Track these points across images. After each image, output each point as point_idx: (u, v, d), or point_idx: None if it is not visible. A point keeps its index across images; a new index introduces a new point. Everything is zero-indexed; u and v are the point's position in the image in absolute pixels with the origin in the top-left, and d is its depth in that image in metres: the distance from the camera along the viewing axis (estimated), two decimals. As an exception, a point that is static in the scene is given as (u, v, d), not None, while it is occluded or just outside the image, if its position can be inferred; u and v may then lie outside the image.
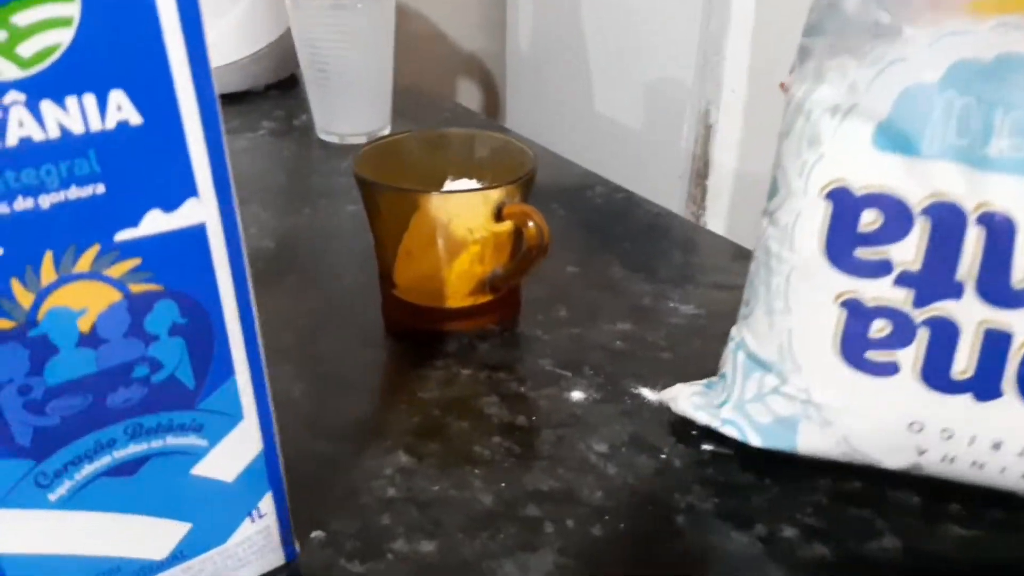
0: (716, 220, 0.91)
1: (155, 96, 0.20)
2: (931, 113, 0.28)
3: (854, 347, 0.30)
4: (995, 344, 0.29)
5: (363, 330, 0.44)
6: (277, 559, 0.29)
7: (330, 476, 0.33)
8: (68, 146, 0.20)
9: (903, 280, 0.29)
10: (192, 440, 0.25)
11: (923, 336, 0.29)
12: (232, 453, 0.26)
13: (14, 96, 0.19)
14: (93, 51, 0.19)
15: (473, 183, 0.45)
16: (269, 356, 0.25)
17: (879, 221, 0.29)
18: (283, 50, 0.79)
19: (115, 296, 0.21)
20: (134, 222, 0.21)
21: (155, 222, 0.21)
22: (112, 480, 0.23)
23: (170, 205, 0.21)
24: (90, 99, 0.20)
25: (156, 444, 0.24)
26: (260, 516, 0.28)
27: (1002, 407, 0.29)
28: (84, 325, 0.21)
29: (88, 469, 0.23)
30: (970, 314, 0.29)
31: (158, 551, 0.26)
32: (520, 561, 0.29)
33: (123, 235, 0.21)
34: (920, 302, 0.29)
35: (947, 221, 0.28)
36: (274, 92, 0.81)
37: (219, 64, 0.75)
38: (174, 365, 0.23)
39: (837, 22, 0.30)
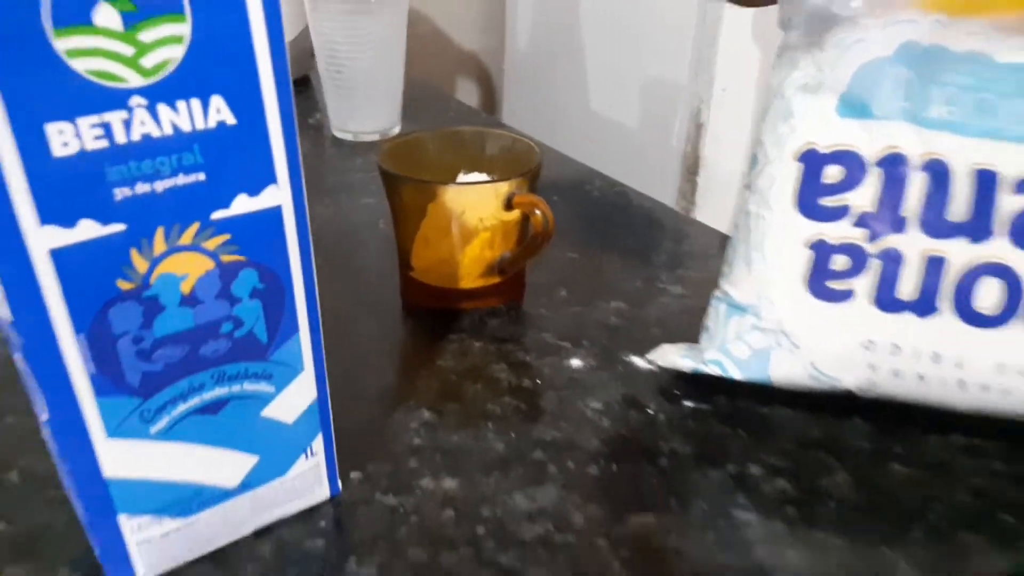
0: (705, 214, 0.97)
1: (247, 102, 0.25)
2: (884, 83, 0.35)
3: (819, 280, 0.36)
4: (934, 268, 0.35)
5: (385, 309, 0.49)
6: (324, 493, 0.34)
7: (365, 428, 0.39)
8: (179, 141, 0.25)
9: (860, 221, 0.36)
10: (263, 387, 0.30)
11: (875, 266, 0.36)
12: (293, 399, 0.31)
13: (138, 100, 0.24)
14: (199, 64, 0.24)
15: (484, 176, 0.50)
16: (324, 318, 0.31)
17: (841, 174, 0.36)
18: (297, 51, 0.84)
19: (210, 265, 0.27)
20: (227, 204, 0.26)
21: (242, 204, 0.27)
22: (200, 417, 0.29)
23: (255, 190, 0.27)
24: (196, 103, 0.25)
25: (235, 389, 0.29)
26: (312, 454, 0.33)
27: (939, 322, 0.35)
28: (185, 288, 0.26)
29: (182, 407, 0.28)
30: (914, 245, 0.35)
31: (232, 479, 0.31)
32: (529, 494, 0.35)
33: (217, 214, 0.26)
34: (873, 238, 0.35)
35: (895, 170, 0.35)
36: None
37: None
38: (252, 323, 0.28)
39: (803, 16, 0.36)
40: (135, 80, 0.24)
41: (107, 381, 0.26)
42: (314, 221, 0.59)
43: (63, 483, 0.30)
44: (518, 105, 1.41)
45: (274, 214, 0.27)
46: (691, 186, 1.00)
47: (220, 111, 0.25)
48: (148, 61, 0.24)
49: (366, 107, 0.72)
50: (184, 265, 0.26)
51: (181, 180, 0.25)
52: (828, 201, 0.36)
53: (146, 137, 0.24)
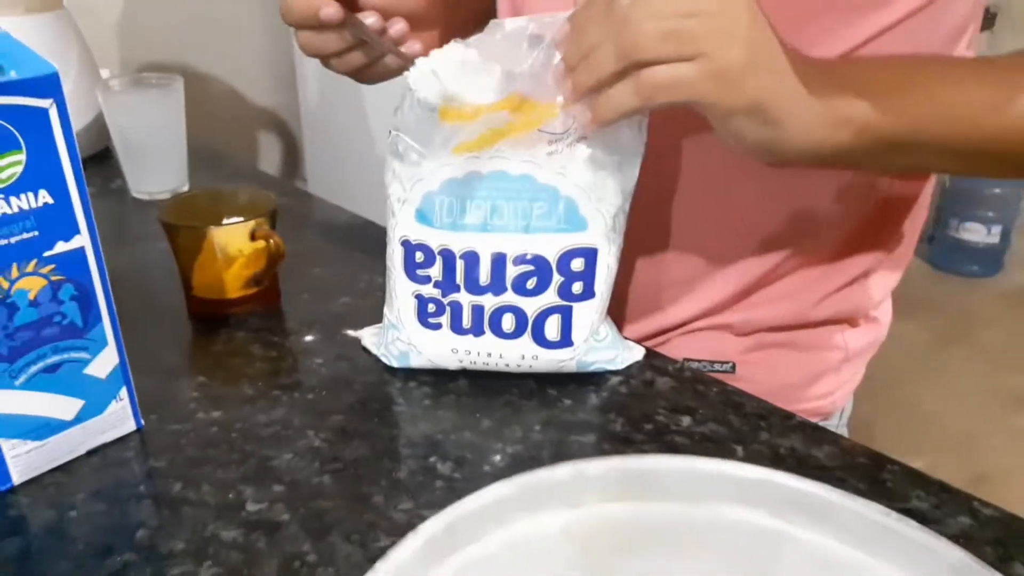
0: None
1: (58, 189, 0.46)
2: (435, 206, 0.57)
3: (423, 317, 0.59)
4: (478, 310, 0.58)
5: (175, 316, 0.69)
6: (131, 425, 0.54)
7: (161, 388, 0.59)
8: (22, 215, 0.45)
9: (436, 284, 0.58)
10: (83, 355, 0.50)
11: (448, 310, 0.58)
12: (103, 363, 0.51)
13: (-4, 196, 0.44)
14: (31, 173, 0.45)
15: (239, 219, 0.71)
16: (120, 312, 0.51)
17: (422, 257, 0.58)
18: (98, 127, 1.02)
19: (44, 283, 0.47)
20: (52, 247, 0.47)
21: (61, 247, 0.47)
22: (45, 375, 0.48)
23: (67, 238, 0.47)
24: (30, 194, 0.45)
25: (66, 356, 0.49)
26: (120, 399, 0.53)
27: (486, 338, 0.58)
28: (32, 296, 0.46)
29: (34, 368, 0.48)
30: (465, 298, 0.58)
31: (68, 415, 0.50)
32: (267, 414, 0.56)
33: (48, 253, 0.46)
34: (444, 294, 0.58)
35: (449, 256, 0.57)
36: (92, 163, 1.03)
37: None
38: (72, 315, 0.49)
39: (397, 150, 0.58)
40: (-7, 183, 0.44)
41: (-12, 353, 0.46)
42: (119, 262, 0.79)
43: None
44: (318, 151, 1.61)
45: (80, 252, 0.48)
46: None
47: (43, 196, 0.46)
48: (3, 175, 0.44)
49: (156, 172, 0.92)
50: (30, 283, 0.46)
51: (25, 236, 0.45)
52: (420, 272, 0.58)
53: (4, 215, 0.44)
